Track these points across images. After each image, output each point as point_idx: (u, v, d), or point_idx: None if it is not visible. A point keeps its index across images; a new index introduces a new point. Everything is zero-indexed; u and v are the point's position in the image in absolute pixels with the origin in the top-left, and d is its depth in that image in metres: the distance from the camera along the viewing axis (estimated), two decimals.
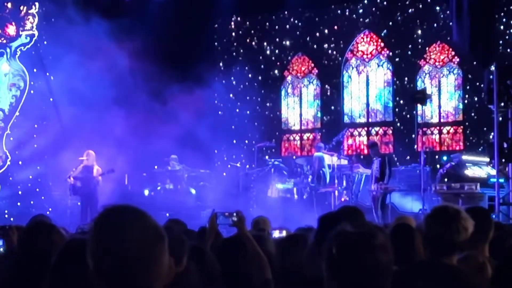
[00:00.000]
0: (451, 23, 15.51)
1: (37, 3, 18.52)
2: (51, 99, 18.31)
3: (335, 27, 20.43)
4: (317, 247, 4.14)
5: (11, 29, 18.69)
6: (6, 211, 17.20)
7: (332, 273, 2.67)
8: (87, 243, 2.20)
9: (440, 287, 2.88)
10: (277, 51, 21.30)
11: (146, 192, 17.95)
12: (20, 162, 18.12)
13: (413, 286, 2.85)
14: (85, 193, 15.26)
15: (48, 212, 14.92)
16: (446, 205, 4.20)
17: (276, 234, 6.40)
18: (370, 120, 20.53)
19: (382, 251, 2.64)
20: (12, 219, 16.12)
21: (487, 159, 14.79)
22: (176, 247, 3.07)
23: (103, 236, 2.17)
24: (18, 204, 17.73)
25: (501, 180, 13.38)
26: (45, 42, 18.41)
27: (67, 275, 3.00)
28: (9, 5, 18.69)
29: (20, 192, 17.98)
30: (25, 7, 18.61)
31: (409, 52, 19.69)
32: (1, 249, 5.38)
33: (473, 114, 18.79)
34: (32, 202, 17.55)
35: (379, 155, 15.36)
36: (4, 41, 18.67)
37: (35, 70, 18.49)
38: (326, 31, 20.53)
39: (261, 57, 21.35)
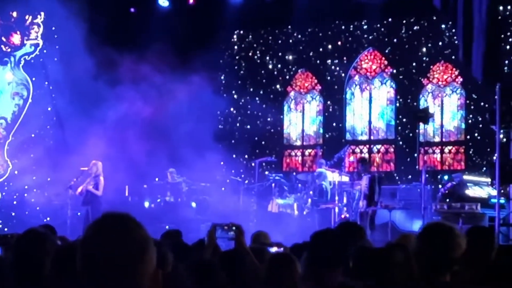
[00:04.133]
0: (457, 42, 15.48)
1: (42, 13, 18.50)
2: (49, 109, 18.28)
3: (339, 43, 20.39)
4: (310, 264, 4.09)
5: (16, 38, 18.70)
6: None
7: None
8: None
9: None
10: (279, 65, 21.20)
11: (146, 204, 17.89)
12: (16, 172, 18.06)
13: None
14: (89, 204, 15.07)
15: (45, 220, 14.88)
16: (438, 222, 4.18)
17: (273, 250, 6.34)
18: (372, 137, 20.47)
19: (398, 268, 2.66)
20: (6, 229, 16.01)
21: (488, 179, 14.71)
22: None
23: (87, 243, 2.20)
24: (13, 214, 17.64)
25: (502, 201, 13.30)
26: (44, 51, 18.41)
27: (62, 279, 2.98)
28: (14, 14, 18.71)
29: (15, 202, 17.90)
30: (31, 17, 18.60)
31: (413, 70, 19.65)
32: None
33: (476, 134, 18.73)
34: (27, 212, 17.44)
35: (369, 172, 15.29)
36: (9, 50, 18.69)
37: (33, 78, 18.48)
38: (329, 46, 20.49)
39: (263, 72, 21.26)
